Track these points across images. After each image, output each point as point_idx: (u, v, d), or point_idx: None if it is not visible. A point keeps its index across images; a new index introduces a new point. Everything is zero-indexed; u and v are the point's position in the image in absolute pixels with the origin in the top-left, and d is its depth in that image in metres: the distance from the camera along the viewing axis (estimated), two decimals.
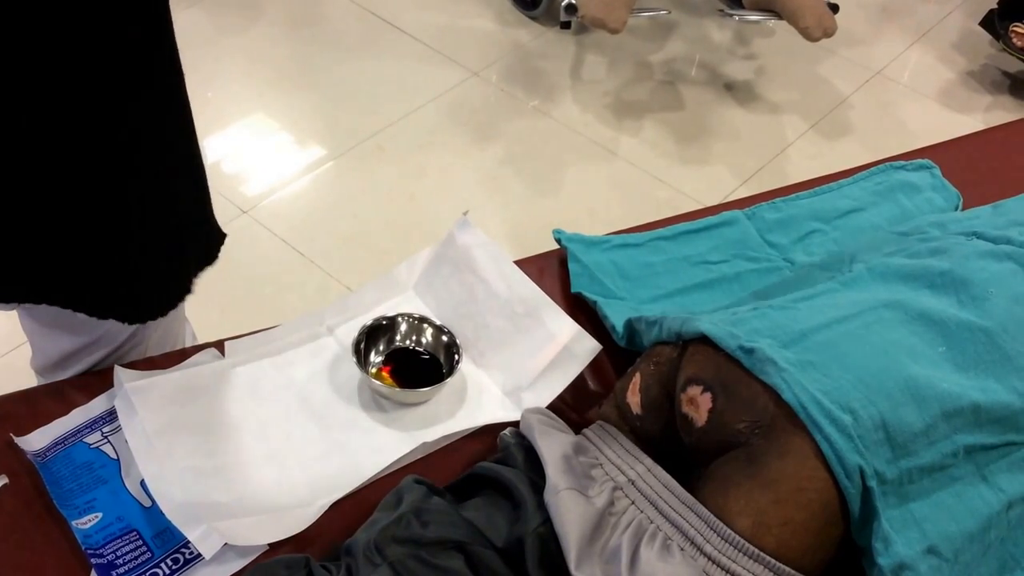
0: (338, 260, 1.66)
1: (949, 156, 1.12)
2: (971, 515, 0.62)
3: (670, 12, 2.06)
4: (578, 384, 0.82)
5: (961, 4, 2.40)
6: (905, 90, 2.15)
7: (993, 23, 2.07)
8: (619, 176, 1.87)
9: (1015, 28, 2.00)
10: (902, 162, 1.11)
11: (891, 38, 2.30)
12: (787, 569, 0.59)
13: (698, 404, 0.66)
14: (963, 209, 1.04)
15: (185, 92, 0.70)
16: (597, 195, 1.83)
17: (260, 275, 1.61)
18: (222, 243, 0.81)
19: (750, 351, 0.65)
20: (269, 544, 0.70)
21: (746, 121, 2.02)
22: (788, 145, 1.97)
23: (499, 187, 1.83)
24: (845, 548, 0.63)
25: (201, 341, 0.89)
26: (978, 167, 1.12)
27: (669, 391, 0.70)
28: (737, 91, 2.09)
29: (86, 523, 0.70)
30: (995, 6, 2.11)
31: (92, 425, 0.76)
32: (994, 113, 2.10)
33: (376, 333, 0.85)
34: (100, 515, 0.70)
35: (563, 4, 1.86)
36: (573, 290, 0.91)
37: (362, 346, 0.83)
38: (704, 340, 0.68)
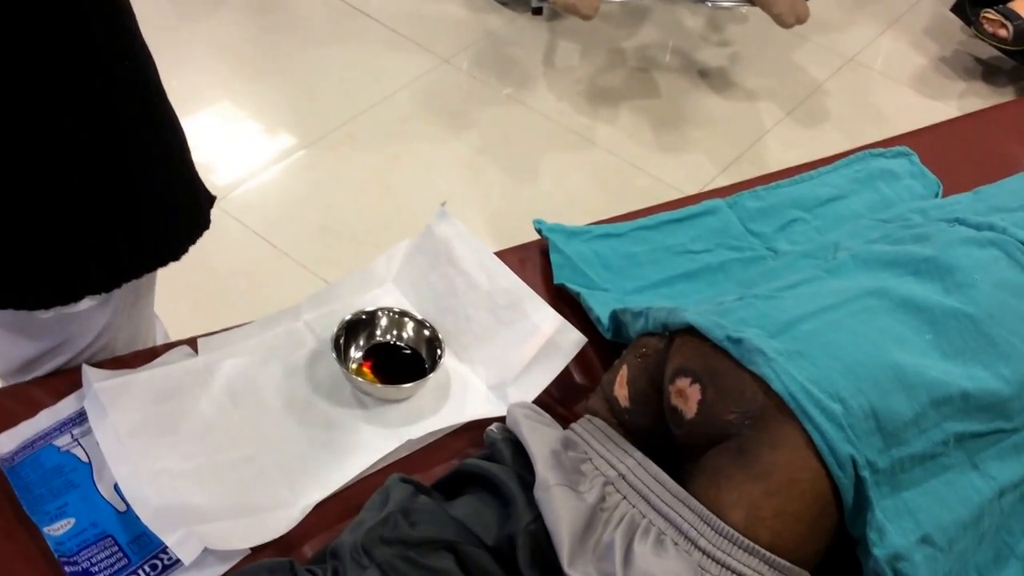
0: (313, 252, 1.62)
1: (926, 142, 1.12)
2: (963, 503, 0.62)
3: None
4: (564, 378, 0.81)
5: None
6: (879, 77, 2.16)
7: (964, 9, 2.08)
8: (597, 164, 1.86)
9: (986, 14, 2.01)
10: (880, 149, 1.11)
11: (863, 24, 2.31)
12: (782, 561, 0.59)
13: (687, 396, 0.65)
14: (943, 196, 1.05)
15: (144, 67, 0.67)
16: (576, 183, 1.81)
17: (232, 269, 1.58)
18: (205, 207, 0.78)
19: (738, 341, 0.64)
20: (251, 548, 0.68)
21: (722, 108, 2.01)
22: (765, 132, 1.97)
23: (476, 176, 1.80)
24: (839, 538, 0.63)
25: (173, 339, 0.86)
26: (954, 153, 1.12)
27: (657, 383, 0.69)
28: (712, 78, 2.09)
29: (58, 530, 0.67)
30: None
31: (61, 427, 0.73)
32: (968, 99, 2.11)
33: (355, 328, 0.83)
34: (73, 521, 0.68)
35: None
36: (556, 281, 0.90)
37: (341, 341, 0.81)
38: (691, 331, 0.67)
